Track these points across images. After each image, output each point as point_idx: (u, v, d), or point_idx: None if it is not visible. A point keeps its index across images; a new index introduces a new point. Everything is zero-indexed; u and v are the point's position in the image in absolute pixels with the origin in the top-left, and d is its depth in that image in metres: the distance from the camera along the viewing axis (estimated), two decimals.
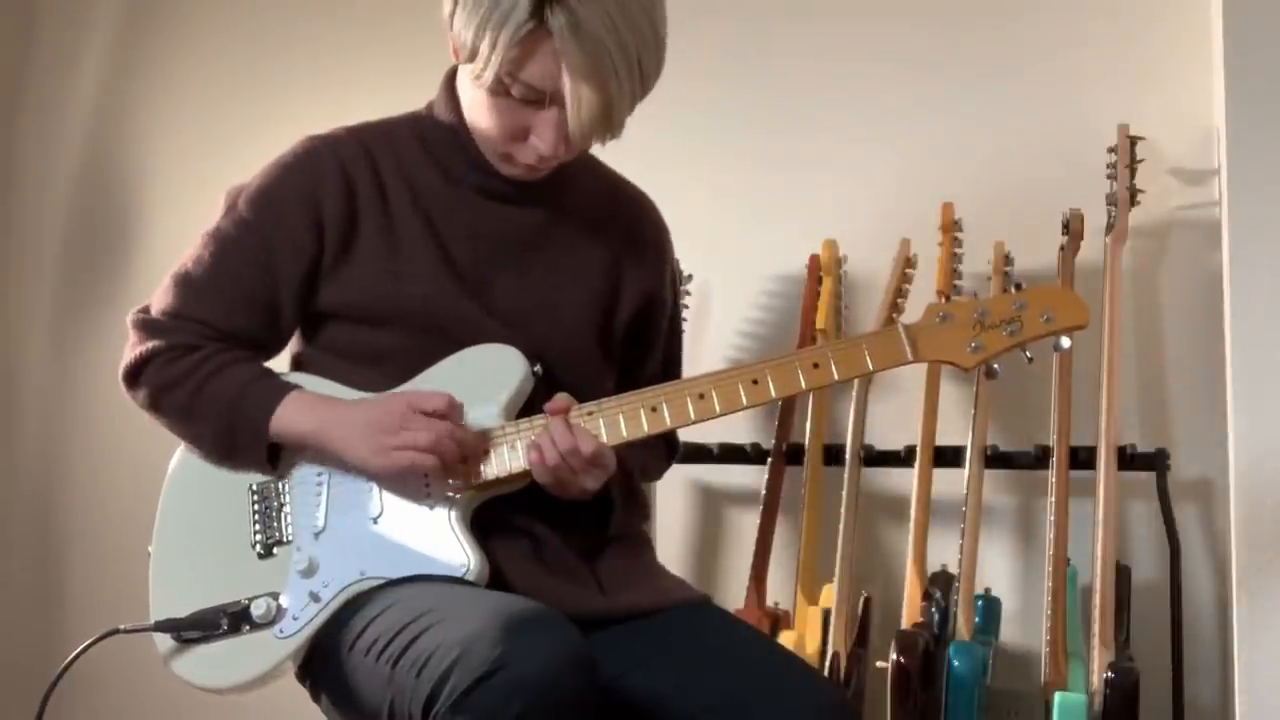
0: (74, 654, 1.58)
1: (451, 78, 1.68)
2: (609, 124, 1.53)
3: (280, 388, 1.59)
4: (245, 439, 1.58)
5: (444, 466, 1.53)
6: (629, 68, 1.49)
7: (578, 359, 1.66)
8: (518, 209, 1.66)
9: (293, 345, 1.70)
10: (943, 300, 2.36)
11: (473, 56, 1.52)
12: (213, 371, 1.59)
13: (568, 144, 1.55)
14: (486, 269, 1.64)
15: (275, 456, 1.60)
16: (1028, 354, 1.58)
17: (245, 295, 1.62)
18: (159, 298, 1.64)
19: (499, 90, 1.53)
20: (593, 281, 1.69)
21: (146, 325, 1.62)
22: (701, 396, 1.56)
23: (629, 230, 1.74)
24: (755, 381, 1.55)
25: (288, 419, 1.57)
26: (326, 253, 1.62)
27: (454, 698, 1.30)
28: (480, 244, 1.64)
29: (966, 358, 1.55)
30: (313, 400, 1.58)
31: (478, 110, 1.58)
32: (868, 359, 1.55)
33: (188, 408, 1.59)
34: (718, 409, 1.56)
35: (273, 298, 1.62)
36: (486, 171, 1.64)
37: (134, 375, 1.62)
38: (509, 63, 1.49)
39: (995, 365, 1.58)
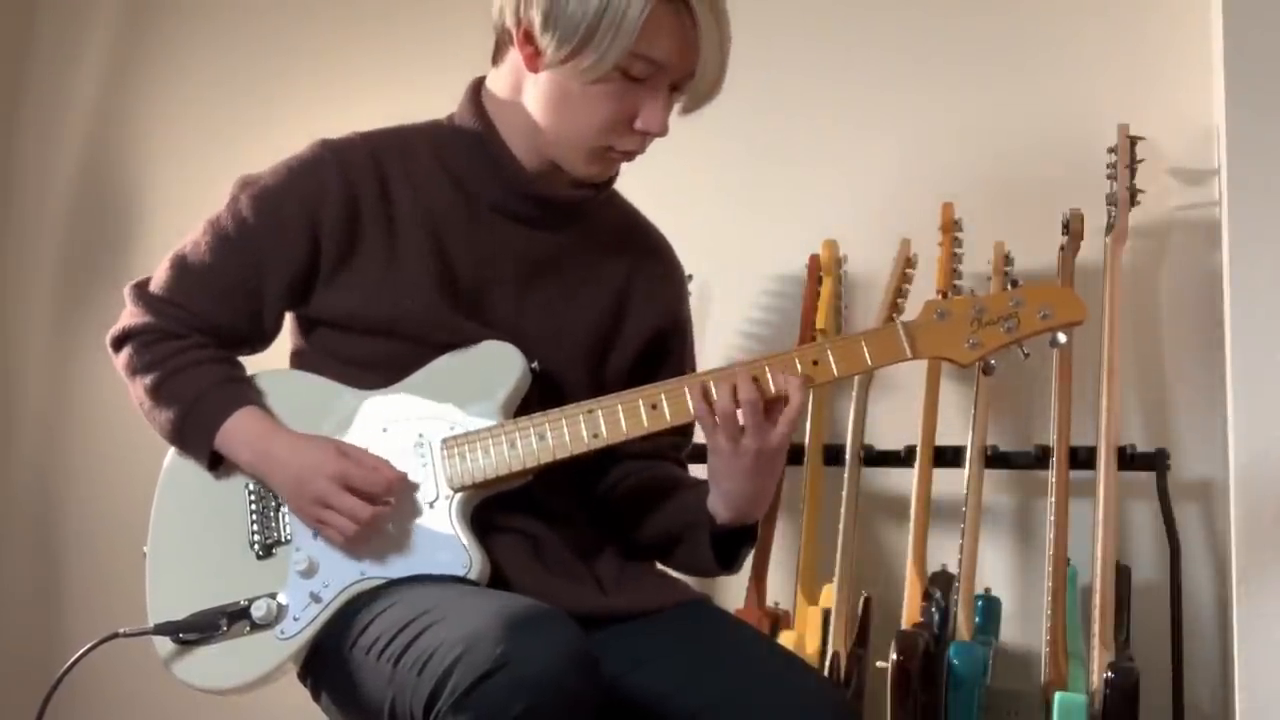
0: (74, 658, 1.58)
1: (477, 90, 1.67)
2: (720, 86, 1.62)
3: (233, 402, 1.59)
4: (193, 442, 1.61)
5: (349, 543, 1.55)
6: (728, 24, 1.61)
7: (571, 386, 1.65)
8: (533, 232, 1.66)
9: (294, 342, 1.70)
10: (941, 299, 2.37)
11: (584, 47, 1.51)
12: (184, 365, 1.61)
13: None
14: (490, 289, 1.64)
15: (219, 459, 1.61)
16: (1025, 350, 1.59)
17: (232, 291, 1.64)
18: (157, 275, 1.67)
19: (612, 76, 1.53)
20: (597, 315, 1.68)
21: (140, 299, 1.66)
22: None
23: (642, 264, 1.73)
24: (755, 378, 1.55)
25: (232, 442, 1.59)
26: (323, 262, 1.62)
27: (456, 696, 1.30)
28: (485, 260, 1.64)
29: (964, 354, 1.56)
30: (258, 429, 1.59)
31: (573, 109, 1.57)
32: (866, 355, 1.55)
33: (154, 391, 1.61)
34: None
35: (258, 297, 1.64)
36: (510, 189, 1.64)
37: (118, 343, 1.67)
38: (640, 39, 1.50)
39: (992, 361, 1.60)
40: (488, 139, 1.63)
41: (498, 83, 1.65)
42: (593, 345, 1.68)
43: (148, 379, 1.61)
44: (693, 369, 1.79)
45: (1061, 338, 1.57)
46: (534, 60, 1.57)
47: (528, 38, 1.56)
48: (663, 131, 1.58)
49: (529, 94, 1.61)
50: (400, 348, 1.61)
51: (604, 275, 1.70)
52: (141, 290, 1.67)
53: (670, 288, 1.77)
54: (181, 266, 1.65)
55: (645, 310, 1.72)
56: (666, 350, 1.75)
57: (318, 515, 1.54)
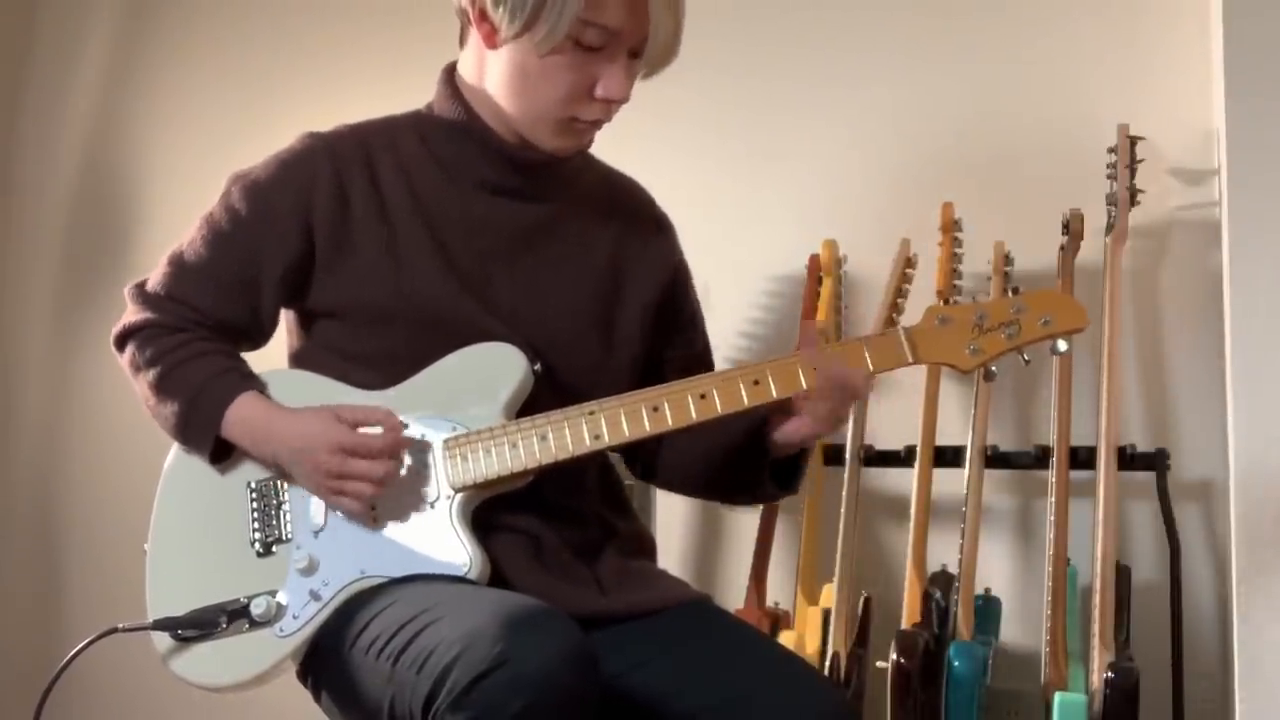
0: (72, 653, 1.58)
1: (450, 74, 1.68)
2: (677, 47, 1.59)
3: (233, 389, 1.60)
4: (196, 434, 1.61)
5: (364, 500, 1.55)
6: None
7: (579, 356, 1.66)
8: (521, 204, 1.66)
9: (293, 341, 1.70)
10: (942, 301, 2.37)
11: (534, 20, 1.52)
12: (186, 358, 1.61)
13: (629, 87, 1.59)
14: (487, 266, 1.64)
15: (224, 450, 1.61)
16: (1025, 357, 1.60)
17: (230, 284, 1.64)
18: (155, 274, 1.68)
19: (564, 47, 1.54)
20: (595, 278, 1.69)
21: (140, 298, 1.67)
22: (703, 396, 1.56)
23: (629, 221, 1.74)
24: (756, 382, 1.55)
25: (235, 429, 1.59)
26: (318, 252, 1.63)
27: (455, 694, 1.30)
28: (481, 241, 1.65)
29: (965, 360, 1.57)
30: (258, 413, 1.59)
31: (533, 83, 1.58)
32: (868, 360, 1.56)
33: (157, 386, 1.61)
34: (719, 409, 1.56)
35: (254, 290, 1.64)
36: (493, 165, 1.65)
37: (121, 341, 1.67)
38: (588, 6, 1.51)
39: (993, 368, 1.60)
40: (469, 122, 1.64)
41: (466, 65, 1.66)
42: (597, 312, 1.69)
43: (151, 374, 1.62)
44: (697, 313, 1.81)
45: (1063, 345, 1.58)
46: (491, 37, 1.58)
47: (483, 15, 1.57)
48: (624, 97, 1.58)
49: (491, 72, 1.62)
50: (403, 338, 1.61)
51: (596, 238, 1.70)
52: (141, 290, 1.68)
53: (662, 240, 1.78)
54: (179, 263, 1.66)
55: (643, 266, 1.73)
56: (675, 299, 1.76)
57: (332, 488, 1.54)
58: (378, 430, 1.54)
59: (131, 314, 1.66)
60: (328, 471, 1.53)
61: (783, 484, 1.68)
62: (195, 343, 1.62)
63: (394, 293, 1.60)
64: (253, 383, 1.62)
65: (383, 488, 1.53)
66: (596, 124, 1.62)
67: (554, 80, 1.56)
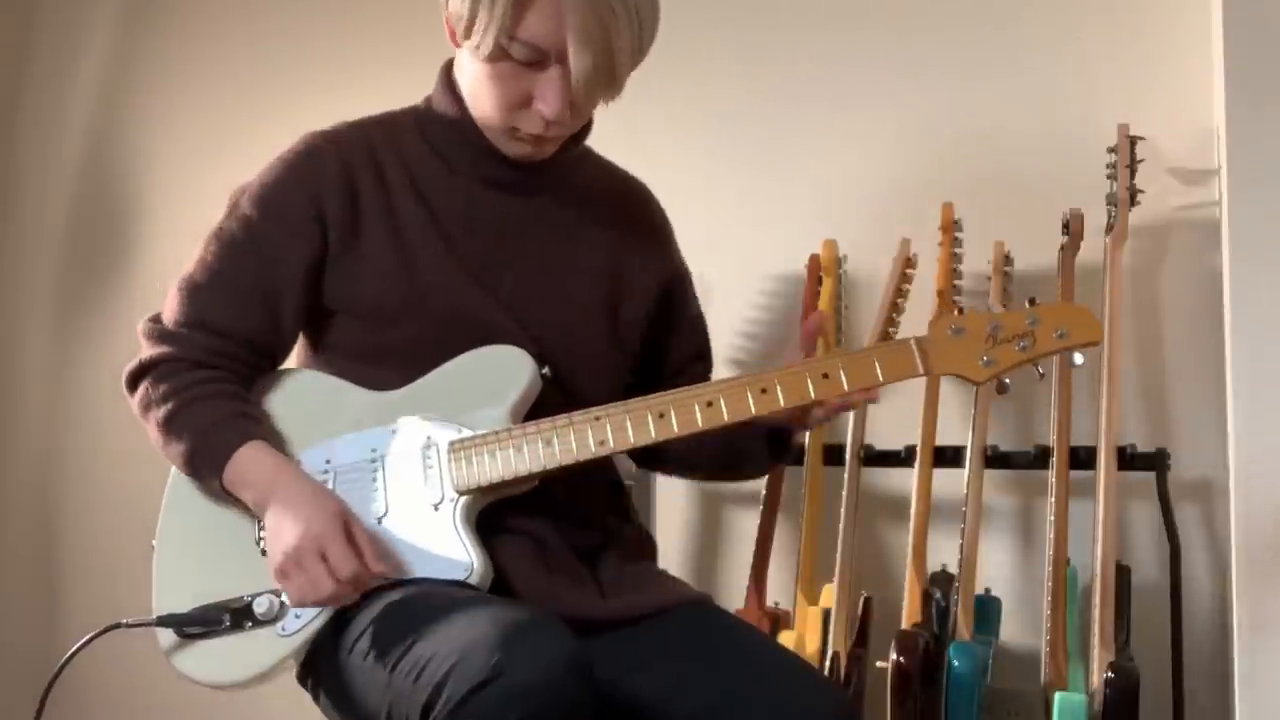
0: (75, 648, 1.58)
1: (449, 69, 1.68)
2: (612, 80, 1.55)
3: (238, 438, 1.55)
4: (204, 476, 1.58)
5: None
6: (629, 19, 1.51)
7: (586, 348, 1.66)
8: (521, 198, 1.67)
9: (304, 339, 1.69)
10: (941, 300, 2.37)
11: (470, 27, 1.53)
12: (198, 397, 1.57)
13: (573, 107, 1.56)
14: (493, 259, 1.64)
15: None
16: (1040, 370, 1.58)
17: (248, 294, 1.61)
18: (167, 307, 1.64)
19: (498, 56, 1.53)
20: (597, 269, 1.69)
21: (155, 334, 1.63)
22: (709, 404, 1.55)
23: (632, 217, 1.75)
24: (764, 390, 1.54)
25: (235, 481, 1.55)
26: (330, 249, 1.62)
27: (451, 705, 1.30)
28: (485, 234, 1.65)
29: (978, 372, 1.55)
30: (261, 470, 1.55)
31: (479, 87, 1.59)
32: (878, 370, 1.54)
33: (165, 424, 1.58)
34: (725, 417, 1.55)
35: (275, 296, 1.62)
36: (490, 160, 1.65)
37: (133, 380, 1.63)
38: (509, 22, 1.50)
39: (1006, 380, 1.59)
40: (463, 117, 1.65)
41: (458, 62, 1.67)
42: (602, 302, 1.69)
43: (160, 412, 1.58)
44: (699, 314, 1.83)
45: (1078, 358, 1.56)
46: (453, 35, 1.59)
47: (446, 14, 1.58)
48: (557, 116, 1.55)
49: (458, 70, 1.64)
50: (413, 333, 1.60)
51: (599, 230, 1.71)
52: (155, 324, 1.63)
53: (661, 237, 1.79)
54: (190, 286, 1.62)
55: (644, 263, 1.73)
56: (672, 303, 1.77)
57: (285, 570, 1.50)
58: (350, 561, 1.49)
59: (144, 349, 1.62)
60: (293, 554, 1.49)
61: (777, 454, 1.72)
62: (209, 383, 1.58)
63: (404, 287, 1.60)
64: (256, 430, 1.58)
65: (316, 604, 1.51)
66: (538, 139, 1.60)
67: (494, 88, 1.56)
